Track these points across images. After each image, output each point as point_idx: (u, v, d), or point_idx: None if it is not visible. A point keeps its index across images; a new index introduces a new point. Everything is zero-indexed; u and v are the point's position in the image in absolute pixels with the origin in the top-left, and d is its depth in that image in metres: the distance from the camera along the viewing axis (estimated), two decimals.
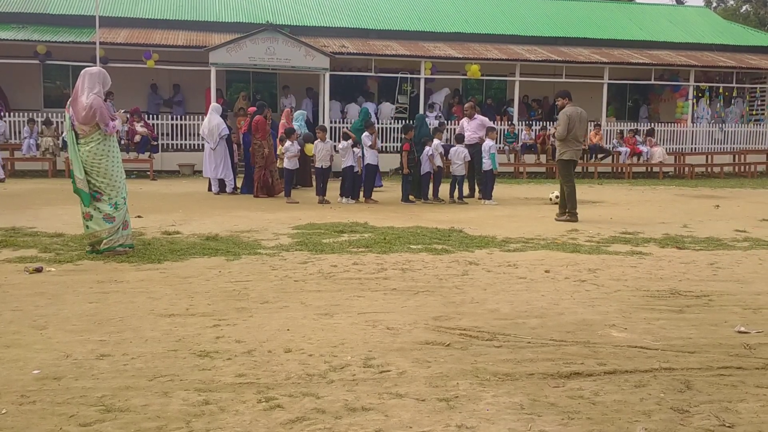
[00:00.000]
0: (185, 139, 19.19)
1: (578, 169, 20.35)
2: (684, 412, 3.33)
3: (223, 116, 14.13)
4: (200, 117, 19.06)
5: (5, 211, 10.28)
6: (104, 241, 7.00)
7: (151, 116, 18.86)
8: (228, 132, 13.89)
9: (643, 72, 22.11)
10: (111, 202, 7.06)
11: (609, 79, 21.37)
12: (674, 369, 3.94)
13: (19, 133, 17.81)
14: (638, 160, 20.75)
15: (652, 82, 22.21)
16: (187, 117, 19.30)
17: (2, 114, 17.91)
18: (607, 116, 21.90)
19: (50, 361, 3.89)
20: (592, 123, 21.12)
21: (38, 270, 6.22)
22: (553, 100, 11.06)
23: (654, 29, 24.50)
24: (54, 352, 4.03)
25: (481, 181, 13.41)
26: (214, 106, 14.22)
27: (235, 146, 14.43)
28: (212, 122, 13.73)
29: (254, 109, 14.21)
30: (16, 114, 18.12)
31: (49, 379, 3.60)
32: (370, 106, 20.13)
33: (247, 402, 3.34)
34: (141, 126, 17.44)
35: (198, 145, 18.95)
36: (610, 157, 20.72)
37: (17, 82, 19.24)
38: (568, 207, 10.61)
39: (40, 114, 18.16)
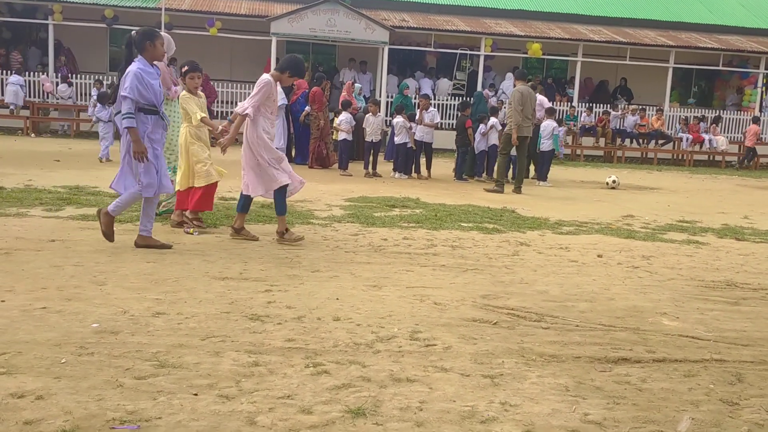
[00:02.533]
0: None
1: (637, 154, 20.09)
2: (733, 404, 3.28)
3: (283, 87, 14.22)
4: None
5: (70, 170, 10.61)
6: (162, 203, 7.18)
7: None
8: (287, 102, 13.97)
9: (710, 57, 21.41)
10: (170, 165, 7.21)
11: (675, 63, 20.77)
12: (726, 361, 3.87)
13: (86, 95, 18.29)
14: (701, 147, 20.19)
15: (720, 68, 21.50)
16: (244, 86, 19.49)
17: (70, 76, 18.38)
18: (670, 101, 21.31)
19: (108, 315, 4.03)
20: (654, 108, 20.64)
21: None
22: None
23: (724, 13, 23.65)
24: (112, 308, 4.18)
25: (536, 161, 13.25)
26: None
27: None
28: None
29: (299, 80, 14.28)
30: (83, 76, 18.58)
31: (107, 333, 3.74)
32: (426, 82, 20.00)
33: (295, 366, 3.42)
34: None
35: None
36: (671, 143, 20.21)
37: (85, 45, 19.72)
38: (506, 179, 11.62)
39: (105, 77, 18.60)
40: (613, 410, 3.13)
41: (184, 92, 6.90)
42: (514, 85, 11.80)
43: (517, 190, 11.23)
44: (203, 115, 6.77)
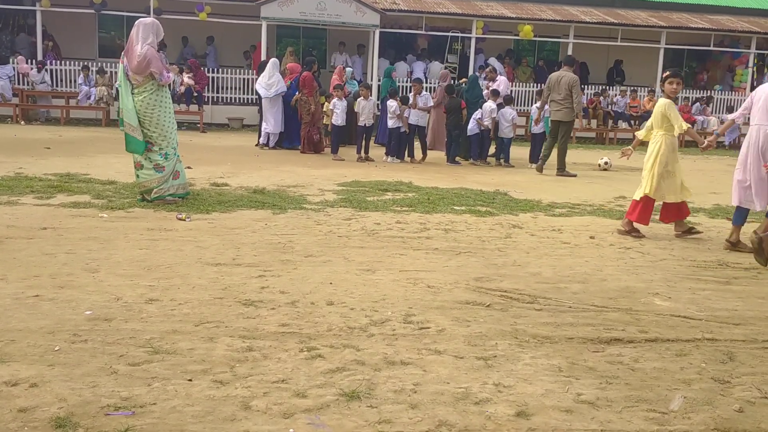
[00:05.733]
0: (236, 93, 19.30)
1: (629, 135, 20.05)
2: (725, 382, 3.31)
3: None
4: (246, 71, 19.17)
5: (61, 157, 10.55)
6: (154, 190, 7.16)
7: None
8: (285, 89, 13.88)
9: (702, 37, 21.37)
10: (161, 152, 7.19)
11: (666, 44, 20.74)
12: (717, 340, 3.90)
13: (73, 81, 18.14)
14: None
15: (711, 48, 21.47)
16: (240, 71, 19.38)
17: (50, 62, 18.13)
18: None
19: (101, 303, 4.03)
20: (646, 89, 20.61)
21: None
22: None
23: None
24: (105, 295, 4.17)
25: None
26: (274, 61, 14.17)
27: None
28: (272, 77, 13.76)
29: (293, 65, 14.22)
30: (69, 62, 18.41)
31: (100, 320, 3.74)
32: (419, 65, 19.94)
33: (289, 350, 3.42)
34: (189, 77, 17.55)
35: (245, 99, 19.08)
36: None
37: (73, 32, 19.50)
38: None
39: (94, 63, 18.44)
40: (605, 390, 3.15)
41: (666, 99, 6.74)
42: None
43: (560, 172, 11.58)
44: (688, 125, 6.68)
